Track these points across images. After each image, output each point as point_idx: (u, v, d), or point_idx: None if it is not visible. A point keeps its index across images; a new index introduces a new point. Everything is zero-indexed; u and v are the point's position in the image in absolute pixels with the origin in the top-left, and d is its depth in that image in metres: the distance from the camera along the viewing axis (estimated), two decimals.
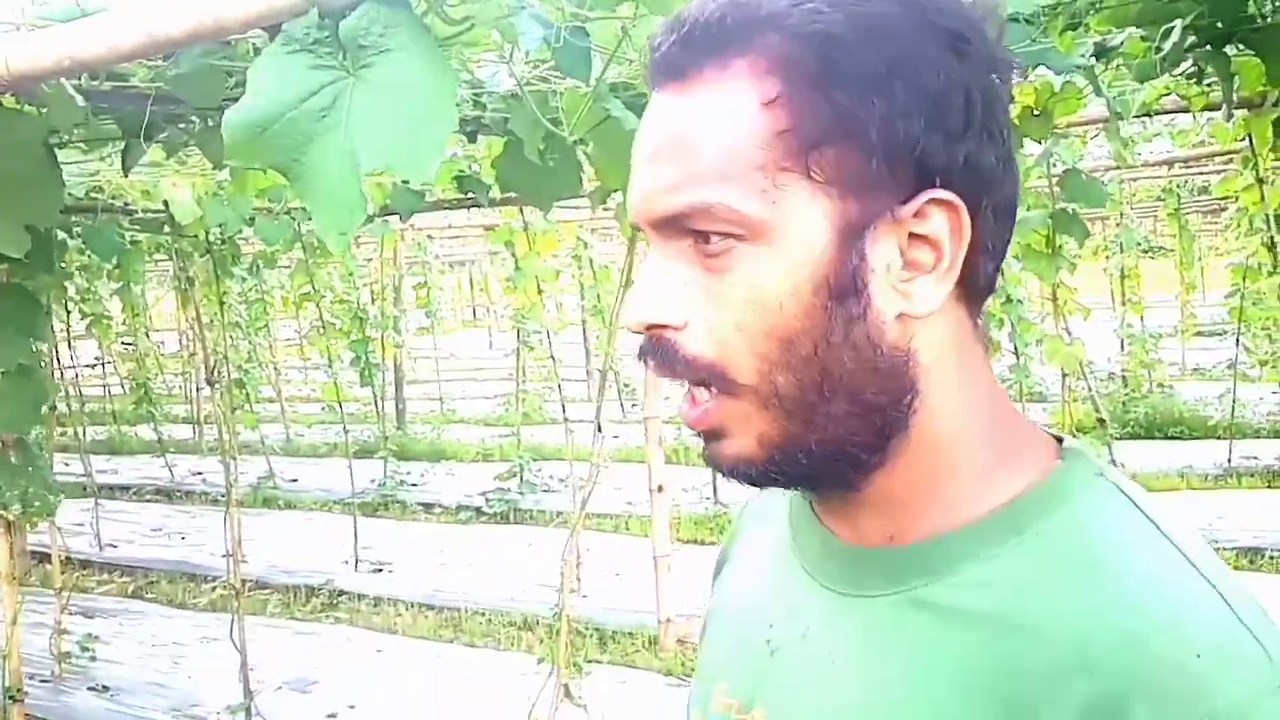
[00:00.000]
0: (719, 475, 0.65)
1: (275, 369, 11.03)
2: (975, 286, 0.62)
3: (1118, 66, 2.18)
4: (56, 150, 1.80)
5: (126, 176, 2.12)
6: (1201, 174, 8.33)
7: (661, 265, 0.61)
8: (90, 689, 4.42)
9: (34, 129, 1.67)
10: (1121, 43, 1.75)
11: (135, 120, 2.03)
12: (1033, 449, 0.63)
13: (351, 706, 4.15)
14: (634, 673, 4.31)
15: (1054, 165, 3.39)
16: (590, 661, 4.08)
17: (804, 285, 0.57)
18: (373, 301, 8.42)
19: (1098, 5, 1.46)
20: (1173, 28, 1.60)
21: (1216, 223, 12.58)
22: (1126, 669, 0.52)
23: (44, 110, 1.70)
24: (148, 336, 10.78)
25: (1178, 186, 8.91)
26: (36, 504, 1.82)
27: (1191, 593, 0.55)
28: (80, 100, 1.56)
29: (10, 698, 2.24)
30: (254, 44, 1.53)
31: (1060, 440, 0.65)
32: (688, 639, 4.56)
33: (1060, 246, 3.38)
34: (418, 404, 11.42)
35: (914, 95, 0.56)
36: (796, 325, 0.58)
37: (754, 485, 0.63)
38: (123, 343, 11.93)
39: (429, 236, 9.54)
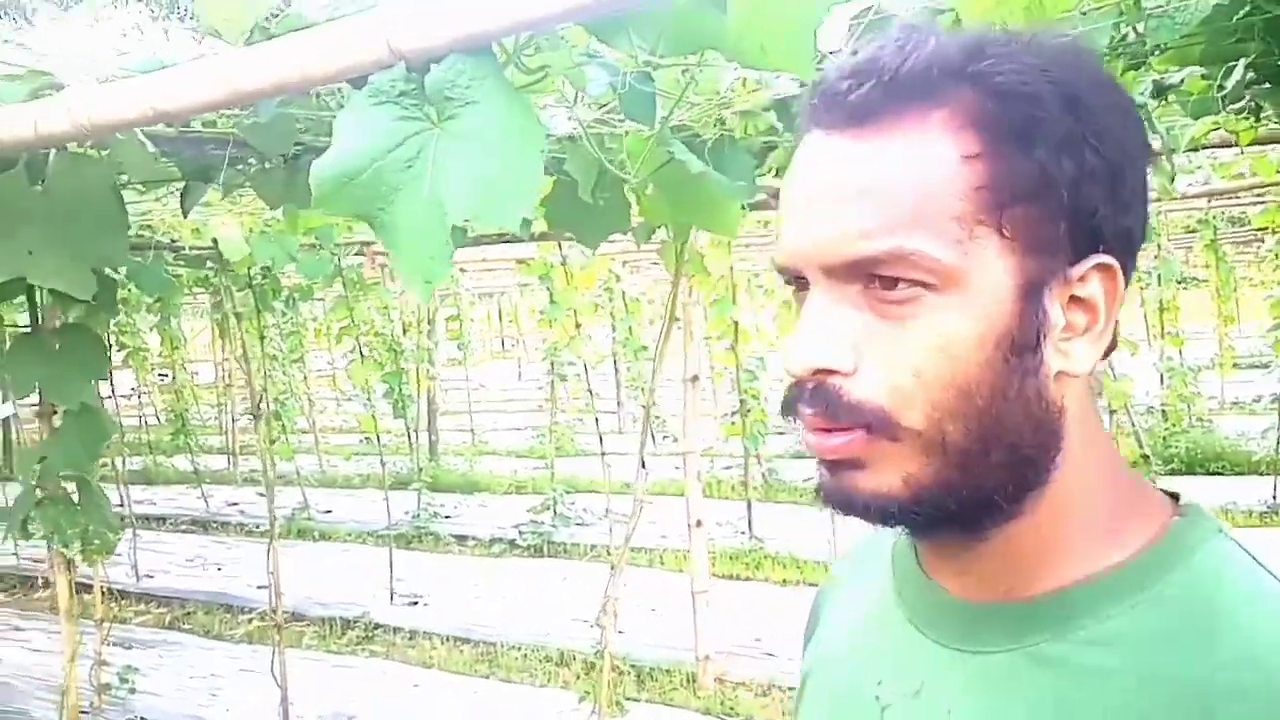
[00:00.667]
0: (837, 509, 0.62)
1: (310, 401, 11.11)
2: None
3: (1170, 103, 2.18)
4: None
5: (186, 218, 2.15)
6: (1238, 205, 8.27)
7: (828, 310, 0.60)
8: None
9: (102, 173, 1.70)
10: (1181, 81, 1.74)
11: (195, 163, 2.07)
12: (1150, 505, 0.64)
13: None
14: (672, 711, 4.27)
15: None
16: (628, 699, 4.06)
17: (989, 337, 0.58)
18: (404, 333, 8.48)
19: (1162, 46, 1.45)
20: (1234, 66, 1.60)
21: (1249, 253, 12.47)
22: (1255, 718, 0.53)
23: (104, 153, 1.73)
24: (185, 369, 10.89)
25: (1213, 218, 8.83)
26: (96, 542, 1.84)
27: None
28: (150, 146, 1.59)
29: None
30: (317, 93, 1.56)
31: (1176, 497, 0.65)
32: (726, 677, 4.52)
33: None
34: (449, 435, 11.45)
35: (1099, 162, 0.58)
36: (977, 376, 0.58)
37: (882, 524, 0.62)
38: (159, 374, 12.07)
39: (461, 269, 9.61)
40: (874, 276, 0.59)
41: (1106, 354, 0.63)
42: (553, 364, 7.68)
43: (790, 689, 4.37)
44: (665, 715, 4.23)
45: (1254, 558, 0.61)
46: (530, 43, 1.12)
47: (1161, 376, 8.25)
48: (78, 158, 1.64)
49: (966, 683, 0.63)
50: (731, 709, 4.25)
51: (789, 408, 0.63)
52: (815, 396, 0.60)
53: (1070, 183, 0.57)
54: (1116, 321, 0.62)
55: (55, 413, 2.00)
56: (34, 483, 1.89)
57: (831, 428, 0.60)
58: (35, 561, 7.18)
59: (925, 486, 0.60)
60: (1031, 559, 0.62)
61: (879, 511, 0.61)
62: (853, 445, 0.60)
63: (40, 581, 6.88)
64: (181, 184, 2.18)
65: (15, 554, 7.36)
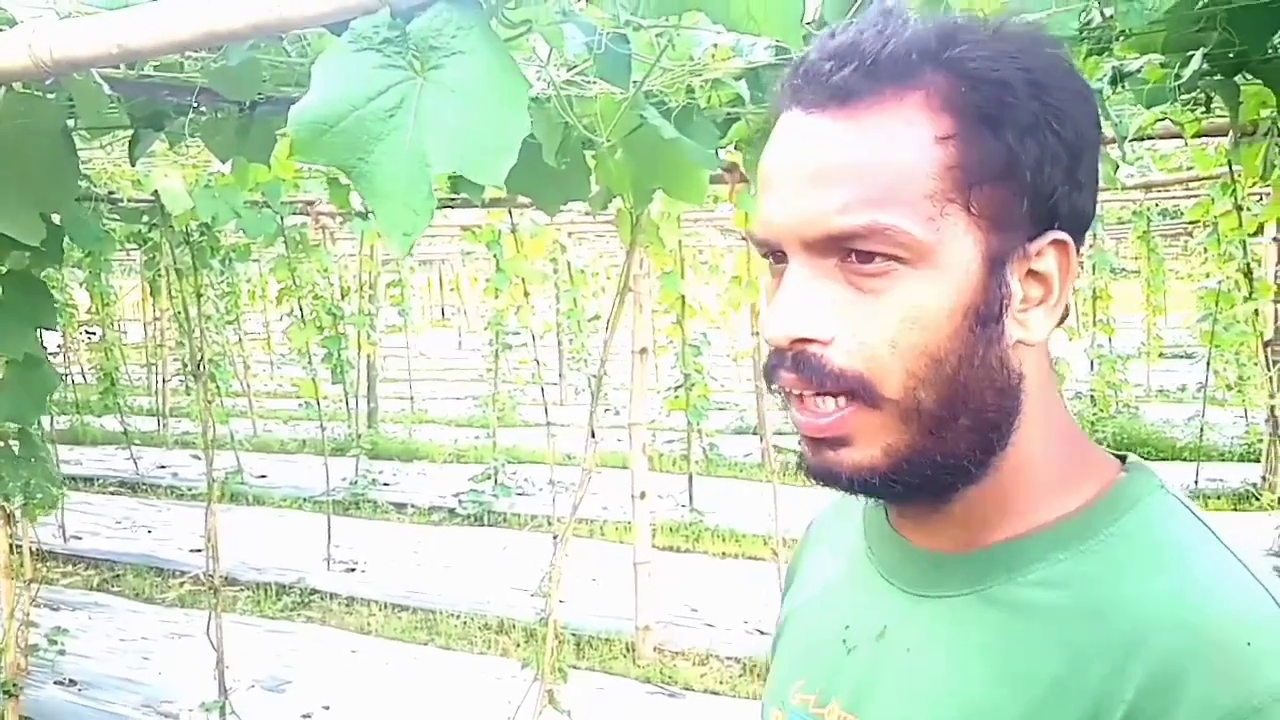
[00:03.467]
0: (821, 483, 0.66)
1: (244, 364, 10.90)
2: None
3: (1122, 90, 2.23)
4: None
5: (134, 166, 2.09)
6: (1171, 198, 8.49)
7: (806, 282, 0.63)
8: (57, 683, 4.33)
9: (54, 115, 1.64)
10: (1140, 69, 1.78)
11: (145, 109, 2.01)
12: (1099, 464, 0.69)
13: (326, 707, 4.11)
14: (611, 679, 4.30)
15: None
16: (569, 667, 4.07)
17: (957, 309, 0.62)
18: (343, 297, 8.34)
19: (1128, 32, 1.48)
20: (1193, 56, 1.64)
21: (1176, 245, 12.81)
22: (1183, 650, 0.57)
23: (52, 96, 1.67)
24: (115, 327, 10.60)
25: (1147, 210, 9.05)
26: (39, 496, 1.79)
27: (1246, 592, 0.60)
28: (106, 88, 1.53)
29: (5, 692, 2.19)
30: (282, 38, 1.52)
31: (1124, 458, 0.70)
32: (664, 646, 4.56)
33: None
34: (388, 403, 11.31)
35: (1060, 145, 0.62)
36: (947, 345, 0.62)
37: (867, 495, 0.67)
38: (86, 332, 11.73)
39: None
40: (850, 250, 0.62)
41: (1060, 322, 0.67)
42: (497, 334, 7.63)
43: (728, 659, 4.43)
44: (604, 683, 4.26)
45: (1191, 509, 0.66)
46: None
47: (1092, 363, 8.46)
48: (28, 98, 1.58)
49: (925, 624, 0.68)
50: (670, 678, 4.29)
51: (771, 375, 0.66)
52: (797, 363, 0.64)
53: (1033, 164, 0.61)
54: (1070, 293, 0.66)
55: None
56: None
57: (818, 392, 0.64)
58: None
59: (904, 457, 0.64)
60: (991, 514, 0.67)
61: (861, 484, 0.65)
62: (840, 424, 0.63)
63: None
64: (127, 132, 2.12)
65: None
